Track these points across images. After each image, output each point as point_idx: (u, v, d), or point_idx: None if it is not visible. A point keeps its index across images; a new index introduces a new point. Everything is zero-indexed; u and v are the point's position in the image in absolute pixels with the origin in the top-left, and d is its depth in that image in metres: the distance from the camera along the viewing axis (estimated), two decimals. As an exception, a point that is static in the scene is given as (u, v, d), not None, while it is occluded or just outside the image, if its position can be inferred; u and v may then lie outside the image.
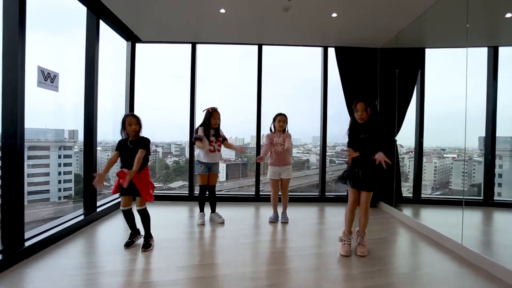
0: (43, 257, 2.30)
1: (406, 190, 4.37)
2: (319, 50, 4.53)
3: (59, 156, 3.59)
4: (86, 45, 3.30)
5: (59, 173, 3.59)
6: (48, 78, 2.68)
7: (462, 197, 2.86)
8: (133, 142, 2.52)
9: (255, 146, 4.62)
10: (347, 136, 2.63)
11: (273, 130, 3.41)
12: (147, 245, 2.50)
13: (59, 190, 3.60)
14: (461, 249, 2.53)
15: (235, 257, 2.39)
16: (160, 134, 5.02)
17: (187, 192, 4.42)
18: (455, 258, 2.44)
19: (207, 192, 3.40)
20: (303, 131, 5.34)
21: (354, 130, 2.56)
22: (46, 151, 3.49)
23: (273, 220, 3.38)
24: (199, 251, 2.54)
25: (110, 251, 2.46)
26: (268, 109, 4.45)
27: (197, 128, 3.29)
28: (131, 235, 2.65)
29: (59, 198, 3.62)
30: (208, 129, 3.24)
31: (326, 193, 4.50)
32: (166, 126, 4.86)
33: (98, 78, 3.36)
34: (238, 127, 5.10)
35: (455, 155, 4.03)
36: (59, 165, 3.59)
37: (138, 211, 2.55)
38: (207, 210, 3.45)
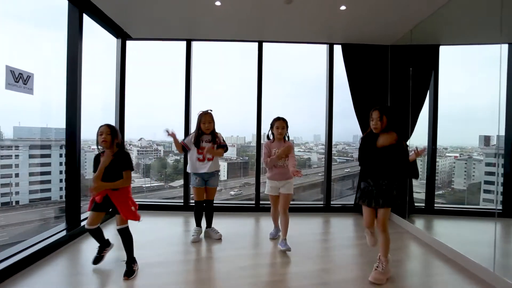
0: (18, 281, 2.00)
1: (418, 197, 4.04)
2: (323, 48, 4.19)
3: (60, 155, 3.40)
4: (67, 42, 2.98)
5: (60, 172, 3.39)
6: (20, 79, 2.37)
7: (494, 207, 2.45)
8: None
9: (255, 145, 4.33)
10: (358, 144, 2.36)
11: (271, 138, 2.87)
12: (130, 272, 2.18)
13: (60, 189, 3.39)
14: (493, 279, 2.17)
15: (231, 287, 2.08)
16: (162, 133, 4.79)
17: (182, 201, 4.11)
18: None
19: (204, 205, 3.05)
20: (304, 129, 5.16)
21: (368, 140, 2.25)
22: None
23: (274, 237, 3.05)
24: (192, 278, 2.22)
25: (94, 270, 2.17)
26: (268, 107, 4.15)
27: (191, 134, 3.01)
28: (99, 249, 2.35)
29: (61, 197, 3.41)
30: (200, 135, 2.90)
31: (331, 203, 4.17)
32: (168, 125, 4.63)
33: (82, 76, 3.04)
34: (238, 126, 5.00)
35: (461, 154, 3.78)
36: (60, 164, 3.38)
37: (118, 230, 2.23)
38: (204, 223, 3.11)
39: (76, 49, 2.98)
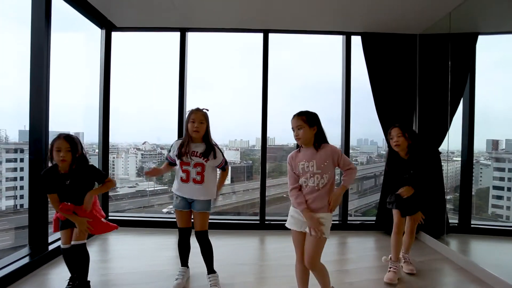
0: None
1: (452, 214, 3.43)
2: (338, 40, 3.62)
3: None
4: (31, 30, 2.47)
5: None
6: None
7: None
8: (71, 177, 1.80)
9: (259, 148, 3.82)
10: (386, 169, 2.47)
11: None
12: None
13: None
14: None
15: None
16: (166, 136, 4.44)
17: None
18: None
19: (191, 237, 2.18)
20: None
21: (394, 164, 2.32)
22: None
23: None
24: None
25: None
26: (274, 109, 3.63)
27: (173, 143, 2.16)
28: (71, 279, 1.92)
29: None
30: (187, 142, 2.03)
31: (348, 220, 3.57)
32: (171, 128, 4.24)
33: (50, 70, 2.53)
34: (241, 129, 4.72)
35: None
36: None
37: (73, 246, 1.84)
38: (195, 260, 2.23)
39: (41, 39, 2.47)
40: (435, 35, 3.22)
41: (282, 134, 4.18)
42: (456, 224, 3.33)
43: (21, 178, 2.95)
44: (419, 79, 3.42)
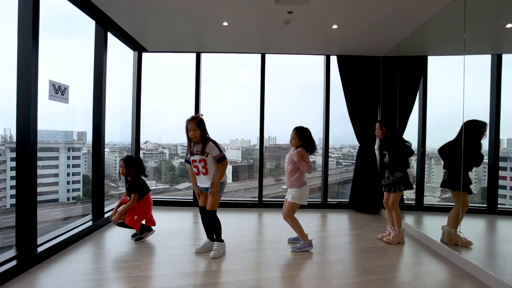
0: (54, 262, 2.42)
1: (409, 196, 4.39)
2: (321, 59, 4.61)
3: (68, 157, 3.73)
4: (94, 56, 3.43)
5: (68, 174, 3.73)
6: (59, 91, 2.81)
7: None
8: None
9: (258, 147, 4.63)
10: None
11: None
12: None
13: (68, 191, 3.72)
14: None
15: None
16: (167, 136, 5.19)
17: (192, 197, 4.52)
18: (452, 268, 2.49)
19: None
20: None
21: (379, 145, 3.29)
22: (56, 152, 3.61)
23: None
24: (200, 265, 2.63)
25: (116, 257, 2.58)
26: (272, 113, 4.55)
27: None
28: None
29: (68, 199, 3.73)
30: (190, 144, 2.62)
31: (328, 200, 4.55)
32: (173, 129, 5.00)
33: (106, 86, 3.49)
34: (243, 129, 5.26)
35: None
36: (68, 166, 3.74)
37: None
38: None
39: (101, 62, 3.43)
40: (393, 57, 4.20)
41: (283, 134, 4.90)
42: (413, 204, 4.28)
43: (68, 174, 3.61)
44: (382, 90, 4.41)
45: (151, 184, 4.88)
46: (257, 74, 4.53)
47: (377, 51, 4.21)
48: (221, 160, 2.60)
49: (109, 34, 3.61)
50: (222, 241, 2.72)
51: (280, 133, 4.97)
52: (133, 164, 3.00)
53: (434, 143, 4.20)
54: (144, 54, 4.48)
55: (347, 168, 5.24)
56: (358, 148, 4.46)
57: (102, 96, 3.45)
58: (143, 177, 3.07)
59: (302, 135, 2.76)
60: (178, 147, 5.23)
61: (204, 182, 2.66)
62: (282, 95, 5.00)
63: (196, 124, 2.53)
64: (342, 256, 2.75)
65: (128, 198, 2.98)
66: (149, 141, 5.10)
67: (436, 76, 4.08)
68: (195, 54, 4.48)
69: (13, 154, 2.47)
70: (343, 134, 4.66)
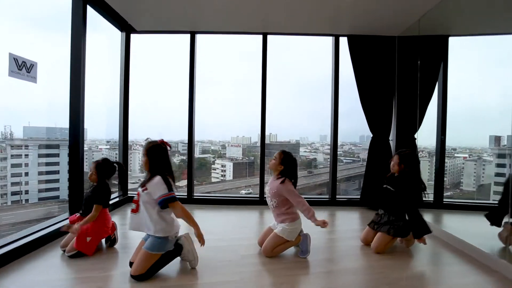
0: (10, 272, 1.99)
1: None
2: (329, 42, 4.14)
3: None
4: (71, 37, 2.98)
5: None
6: (24, 67, 2.38)
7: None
8: None
9: (259, 144, 4.31)
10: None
11: None
12: None
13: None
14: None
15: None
16: (168, 132, 4.96)
17: (186, 194, 4.09)
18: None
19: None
20: (309, 130, 5.14)
21: (387, 178, 2.67)
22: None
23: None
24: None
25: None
26: (273, 107, 4.12)
27: None
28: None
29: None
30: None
31: (337, 196, 4.11)
32: (174, 125, 4.69)
33: (85, 71, 3.04)
34: (243, 126, 5.02)
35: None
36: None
37: None
38: None
39: (79, 44, 2.98)
40: (410, 37, 3.73)
41: (283, 131, 4.71)
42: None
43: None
44: (398, 74, 3.94)
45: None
46: (257, 64, 4.06)
47: (393, 28, 3.72)
48: (168, 202, 1.88)
49: (91, 10, 3.18)
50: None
51: (282, 130, 4.77)
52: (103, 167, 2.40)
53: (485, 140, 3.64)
54: (133, 36, 4.04)
55: (348, 165, 5.04)
56: (371, 138, 4.00)
57: (80, 86, 2.94)
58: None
59: (285, 159, 2.41)
60: (179, 144, 5.04)
61: (139, 223, 1.99)
62: (283, 90, 4.64)
63: (146, 150, 2.02)
64: (358, 264, 2.30)
65: (78, 215, 2.39)
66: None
67: (459, 61, 3.59)
68: (189, 35, 4.03)
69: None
70: (344, 131, 4.29)
